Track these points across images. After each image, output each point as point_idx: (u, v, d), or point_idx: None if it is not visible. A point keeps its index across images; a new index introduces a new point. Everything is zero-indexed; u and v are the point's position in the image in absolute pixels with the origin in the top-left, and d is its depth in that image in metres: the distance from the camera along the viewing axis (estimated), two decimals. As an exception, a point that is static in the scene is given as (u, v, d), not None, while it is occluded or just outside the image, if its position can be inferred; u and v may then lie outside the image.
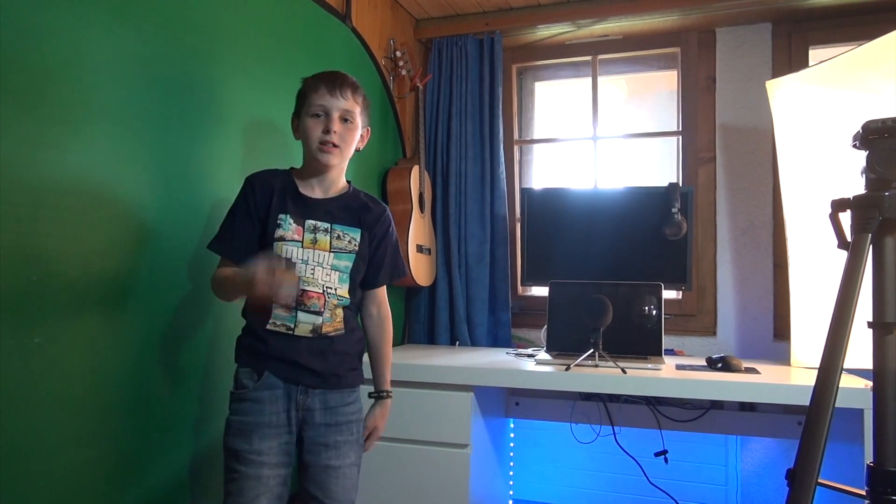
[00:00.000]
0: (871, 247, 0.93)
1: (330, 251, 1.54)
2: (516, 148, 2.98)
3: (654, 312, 2.29)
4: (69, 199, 1.35)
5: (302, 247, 1.53)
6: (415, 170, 2.60)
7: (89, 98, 1.39)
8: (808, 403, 1.25)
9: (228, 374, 1.55)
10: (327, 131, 1.51)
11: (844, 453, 1.88)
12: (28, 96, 1.26)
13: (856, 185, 1.86)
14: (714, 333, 2.64)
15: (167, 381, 1.62)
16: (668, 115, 2.87)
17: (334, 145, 1.52)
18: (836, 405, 1.71)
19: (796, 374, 2.06)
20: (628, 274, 2.41)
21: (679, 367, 2.12)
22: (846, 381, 1.81)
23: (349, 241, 1.56)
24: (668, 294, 2.56)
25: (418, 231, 2.58)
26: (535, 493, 2.74)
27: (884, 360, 0.87)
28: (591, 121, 2.88)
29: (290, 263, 1.49)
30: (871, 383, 1.70)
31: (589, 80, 2.89)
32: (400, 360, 2.16)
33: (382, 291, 1.71)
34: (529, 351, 2.43)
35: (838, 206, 0.95)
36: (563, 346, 2.31)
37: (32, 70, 1.27)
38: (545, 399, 2.57)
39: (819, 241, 2.13)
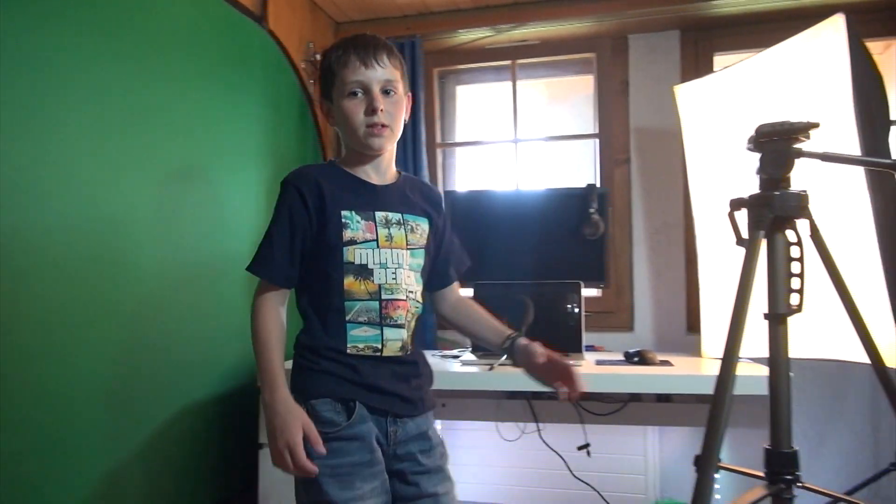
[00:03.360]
0: (764, 242, 0.98)
1: (406, 247, 1.28)
2: (439, 151, 3.01)
3: (575, 310, 2.35)
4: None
5: (378, 247, 1.26)
6: (337, 173, 2.57)
7: (-17, 101, 1.32)
8: (711, 392, 1.33)
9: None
10: (373, 111, 1.24)
11: (755, 438, 1.98)
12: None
13: (753, 185, 1.96)
14: (632, 329, 2.73)
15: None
16: (585, 118, 2.95)
17: (384, 125, 1.25)
18: (748, 392, 1.80)
19: (706, 365, 2.16)
20: (550, 273, 2.46)
21: (598, 363, 2.18)
22: (757, 370, 1.91)
23: (421, 234, 1.32)
24: (588, 292, 2.63)
25: (342, 235, 2.56)
26: (463, 493, 2.76)
27: (777, 348, 0.93)
28: (512, 124, 2.93)
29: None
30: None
31: (510, 83, 2.95)
32: (324, 366, 2.13)
33: (457, 290, 1.47)
34: (454, 352, 2.45)
35: (735, 205, 1.01)
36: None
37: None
38: (471, 399, 2.59)
39: (724, 239, 2.24)
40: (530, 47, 2.90)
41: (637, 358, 2.16)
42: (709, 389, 1.88)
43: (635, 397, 2.48)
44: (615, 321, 2.74)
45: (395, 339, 1.26)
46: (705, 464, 0.87)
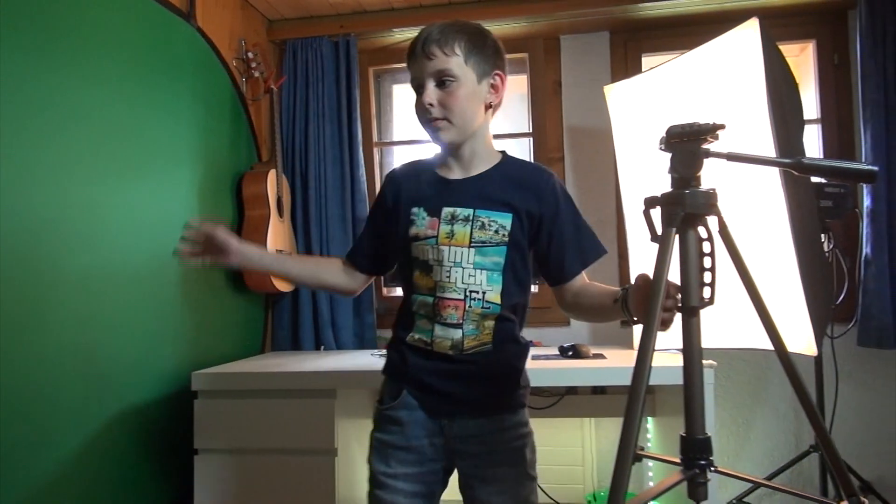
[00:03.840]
0: (676, 238, 1.02)
1: (469, 245, 1.24)
2: (376, 150, 3.00)
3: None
4: None
5: (437, 243, 1.26)
6: (271, 174, 2.54)
7: None
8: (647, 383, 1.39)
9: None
10: (426, 107, 1.24)
11: (678, 423, 2.05)
12: None
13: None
14: (568, 323, 2.79)
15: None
16: (520, 118, 3.00)
17: (437, 119, 1.24)
18: (670, 382, 1.87)
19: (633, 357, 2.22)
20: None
21: (535, 358, 2.22)
22: (677, 360, 1.98)
23: (496, 231, 1.25)
24: (525, 288, 2.68)
25: (277, 236, 2.53)
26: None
27: (690, 340, 0.97)
28: (448, 123, 2.95)
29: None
30: (711, 362, 1.88)
31: (444, 83, 2.96)
32: (261, 369, 2.12)
33: (581, 281, 1.32)
34: (394, 351, 2.46)
35: (649, 203, 1.05)
36: (427, 345, 2.36)
37: None
38: (412, 397, 2.60)
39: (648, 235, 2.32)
40: (465, 47, 2.92)
41: (571, 352, 2.22)
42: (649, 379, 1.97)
43: (571, 390, 2.54)
44: (552, 316, 2.79)
45: (445, 338, 1.26)
46: (622, 453, 0.91)
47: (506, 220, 1.26)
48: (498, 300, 1.26)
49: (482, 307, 1.25)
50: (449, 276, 1.24)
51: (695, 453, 0.95)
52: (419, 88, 1.26)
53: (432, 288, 1.27)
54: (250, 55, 2.60)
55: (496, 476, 1.28)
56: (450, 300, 1.25)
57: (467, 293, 1.24)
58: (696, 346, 0.96)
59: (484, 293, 1.25)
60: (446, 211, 1.27)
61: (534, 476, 1.31)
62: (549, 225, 1.28)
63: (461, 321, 1.25)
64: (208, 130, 2.37)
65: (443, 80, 1.23)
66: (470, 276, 1.24)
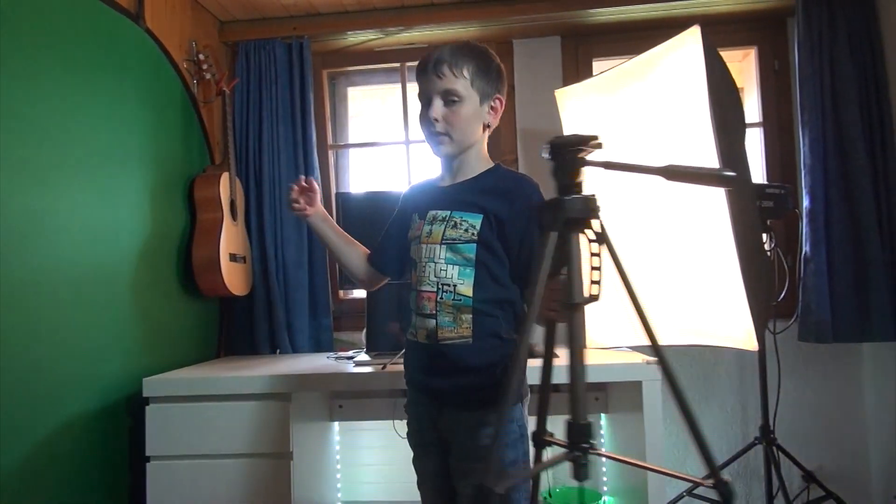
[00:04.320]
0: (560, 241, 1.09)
1: (441, 242, 1.36)
2: (331, 152, 3.00)
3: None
4: None
5: (419, 242, 1.41)
6: (224, 176, 2.52)
7: None
8: (597, 380, 1.46)
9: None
10: (428, 121, 1.36)
11: (628, 421, 2.11)
12: None
13: (624, 184, 2.09)
14: (525, 323, 2.83)
15: None
16: (474, 120, 3.03)
17: (440, 133, 1.36)
18: (619, 379, 1.92)
19: (591, 355, 2.27)
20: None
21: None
22: (628, 358, 2.04)
23: (466, 230, 1.35)
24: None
25: (231, 239, 2.51)
26: (363, 493, 2.77)
27: (574, 333, 1.06)
28: (403, 126, 2.96)
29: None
30: (648, 358, 1.94)
31: (400, 86, 2.98)
32: (215, 374, 2.10)
33: None
34: (350, 353, 2.46)
35: (539, 209, 1.13)
36: (383, 347, 2.36)
37: None
38: (368, 399, 2.61)
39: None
40: (419, 50, 2.94)
41: (525, 351, 2.25)
42: (593, 377, 2.01)
43: (526, 389, 2.57)
44: (507, 316, 2.83)
45: (422, 328, 1.38)
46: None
47: (476, 221, 1.36)
48: (469, 293, 1.34)
49: (453, 299, 1.35)
50: (425, 271, 1.37)
51: (577, 437, 1.06)
52: (427, 102, 1.37)
53: (416, 283, 1.42)
54: (201, 57, 2.57)
55: (473, 471, 1.29)
56: (424, 292, 1.37)
57: (439, 286, 1.36)
58: (579, 339, 1.06)
59: (455, 286, 1.35)
60: (430, 214, 1.41)
61: (511, 474, 1.35)
62: (516, 230, 1.36)
63: (434, 312, 1.36)
64: (159, 133, 2.34)
65: (450, 98, 1.35)
66: (442, 270, 1.35)
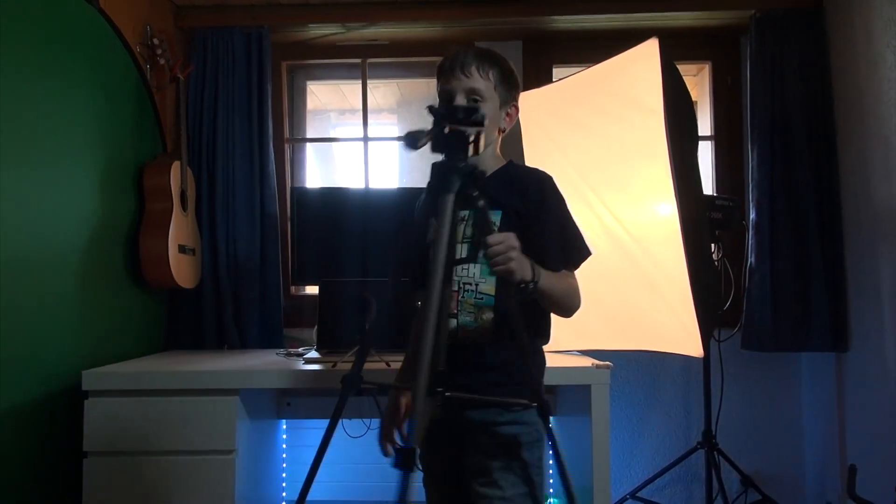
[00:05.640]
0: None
1: (461, 241, 1.36)
2: (287, 146, 2.95)
3: (420, 306, 2.41)
4: None
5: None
6: (175, 166, 2.45)
7: None
8: (547, 383, 1.48)
9: None
10: None
11: (576, 424, 2.13)
12: None
13: (571, 189, 2.10)
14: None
15: None
16: (434, 120, 3.02)
17: None
18: (568, 383, 1.94)
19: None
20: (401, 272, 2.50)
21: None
22: (577, 362, 2.06)
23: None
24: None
25: (180, 231, 2.45)
26: (310, 492, 2.73)
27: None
28: (362, 123, 2.94)
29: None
30: (597, 362, 1.97)
31: (360, 82, 2.95)
32: (161, 367, 2.05)
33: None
34: (300, 350, 2.43)
35: None
36: (333, 344, 2.34)
37: None
38: (317, 398, 2.58)
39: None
40: (381, 47, 2.92)
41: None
42: (551, 380, 2.04)
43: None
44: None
45: (450, 328, 1.33)
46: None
47: (496, 217, 1.36)
48: (491, 291, 1.35)
49: (475, 298, 1.35)
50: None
51: (435, 383, 1.15)
52: (450, 100, 1.37)
53: None
54: (156, 41, 2.50)
55: (489, 469, 1.33)
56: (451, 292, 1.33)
57: (461, 285, 1.36)
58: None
59: (477, 285, 1.35)
60: None
61: (532, 479, 1.34)
62: (532, 221, 1.38)
63: (456, 311, 1.35)
64: (109, 118, 2.26)
65: (473, 97, 1.36)
66: (463, 269, 1.36)
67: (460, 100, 1.36)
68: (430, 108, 1.22)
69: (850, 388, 2.47)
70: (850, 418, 2.47)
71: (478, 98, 1.37)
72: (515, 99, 1.46)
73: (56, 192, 1.98)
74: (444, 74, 1.40)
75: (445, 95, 1.39)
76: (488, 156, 1.44)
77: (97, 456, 1.94)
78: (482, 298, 1.36)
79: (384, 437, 1.51)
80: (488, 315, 1.36)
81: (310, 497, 2.76)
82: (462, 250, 1.36)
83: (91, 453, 1.94)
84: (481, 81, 1.38)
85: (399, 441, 1.46)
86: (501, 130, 1.46)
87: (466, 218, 1.38)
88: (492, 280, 1.35)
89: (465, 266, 1.36)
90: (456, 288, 1.35)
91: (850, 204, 2.48)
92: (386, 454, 1.45)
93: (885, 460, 2.18)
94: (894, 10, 2.09)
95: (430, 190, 1.20)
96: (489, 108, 1.38)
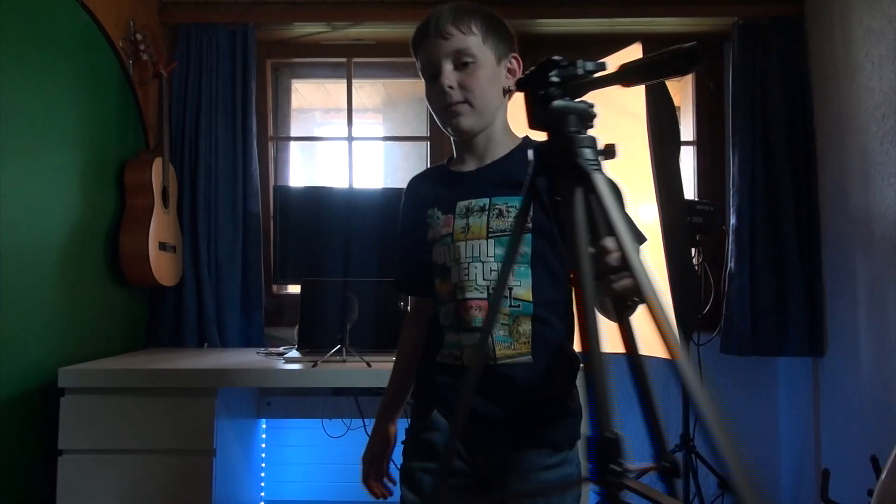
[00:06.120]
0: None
1: (487, 237, 1.10)
2: (271, 144, 2.94)
3: (403, 306, 2.41)
4: None
5: (452, 241, 1.12)
6: (157, 162, 2.44)
7: None
8: None
9: None
10: (442, 91, 1.11)
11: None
12: None
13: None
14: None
15: None
16: (420, 122, 3.03)
17: (458, 102, 1.11)
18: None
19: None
20: (379, 271, 2.50)
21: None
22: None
23: (517, 216, 1.08)
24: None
25: (161, 228, 2.43)
26: (287, 492, 2.73)
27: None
28: (346, 122, 2.93)
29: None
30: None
31: (345, 81, 2.95)
32: (138, 365, 2.03)
33: None
34: (281, 350, 2.42)
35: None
36: (314, 344, 2.33)
37: None
38: (298, 397, 2.57)
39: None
40: (366, 47, 2.92)
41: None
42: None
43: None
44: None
45: (466, 346, 1.10)
46: None
47: (513, 205, 1.12)
48: (528, 297, 1.09)
49: (510, 306, 1.09)
50: (468, 274, 1.10)
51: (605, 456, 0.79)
52: (434, 73, 1.13)
53: (452, 292, 1.13)
54: (139, 37, 2.48)
55: None
56: (472, 301, 1.10)
57: (489, 290, 1.09)
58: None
59: (511, 289, 1.09)
60: (460, 205, 1.14)
61: None
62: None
63: (485, 325, 1.05)
64: (91, 113, 2.24)
65: (462, 60, 1.12)
66: (492, 270, 1.09)
67: (447, 67, 1.12)
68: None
69: (826, 392, 2.50)
70: (825, 422, 2.50)
71: (469, 59, 1.12)
72: (514, 49, 1.20)
73: (36, 187, 1.96)
74: (421, 45, 1.16)
75: (430, 69, 1.15)
76: (499, 130, 1.19)
77: (72, 454, 1.92)
78: (518, 306, 1.09)
79: (375, 476, 1.33)
80: (525, 327, 1.09)
81: (290, 497, 2.77)
82: (488, 247, 1.10)
83: (66, 451, 1.92)
84: (466, 38, 1.12)
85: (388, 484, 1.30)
86: (507, 90, 1.19)
87: (487, 207, 1.12)
88: (527, 281, 1.09)
89: (495, 266, 1.09)
90: (485, 295, 1.09)
91: (828, 211, 2.51)
92: (380, 496, 1.29)
93: (858, 465, 2.21)
94: (873, 19, 2.13)
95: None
96: (485, 66, 1.13)
